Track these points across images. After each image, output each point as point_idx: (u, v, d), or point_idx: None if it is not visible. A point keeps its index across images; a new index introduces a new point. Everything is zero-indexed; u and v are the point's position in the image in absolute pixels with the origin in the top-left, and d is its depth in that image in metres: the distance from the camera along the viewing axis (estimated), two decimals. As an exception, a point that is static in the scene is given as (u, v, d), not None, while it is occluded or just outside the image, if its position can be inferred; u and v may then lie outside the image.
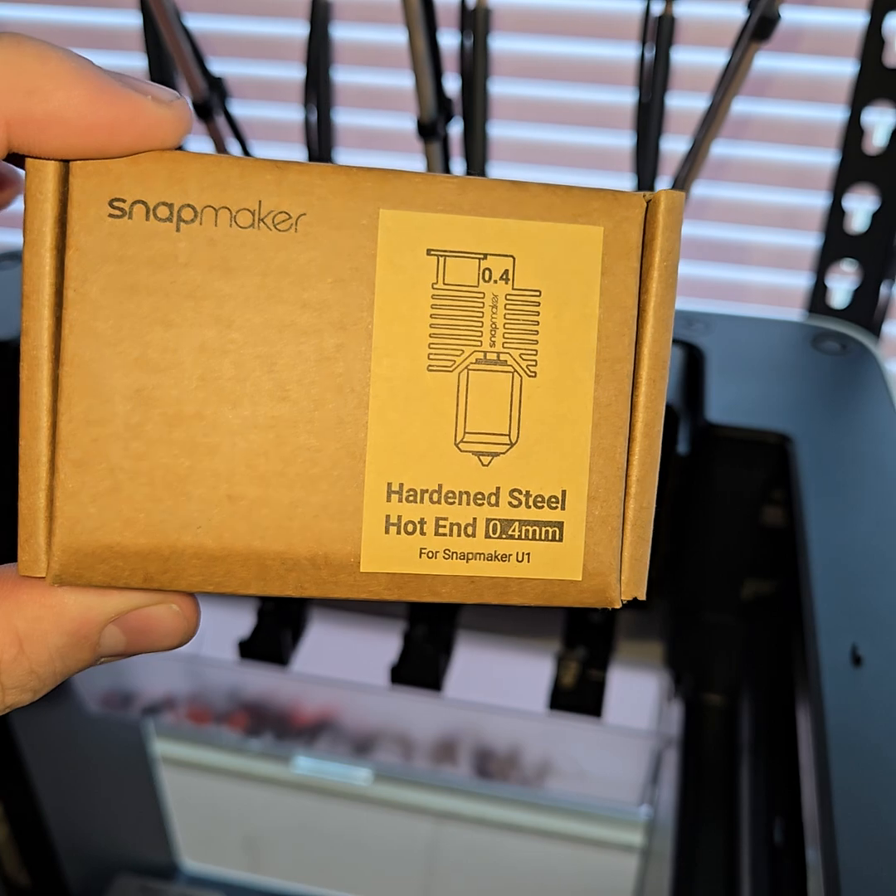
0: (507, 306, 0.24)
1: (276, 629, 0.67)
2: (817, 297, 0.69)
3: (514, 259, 0.24)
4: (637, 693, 0.69)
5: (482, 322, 0.24)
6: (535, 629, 0.72)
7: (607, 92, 0.79)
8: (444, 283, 0.23)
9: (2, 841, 0.84)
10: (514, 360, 0.24)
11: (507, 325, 0.24)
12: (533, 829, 1.22)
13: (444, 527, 0.24)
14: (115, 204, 0.22)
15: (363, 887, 0.99)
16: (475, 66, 0.54)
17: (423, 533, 0.24)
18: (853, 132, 0.62)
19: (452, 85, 0.56)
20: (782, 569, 0.59)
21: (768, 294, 0.85)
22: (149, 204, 0.22)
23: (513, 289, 0.24)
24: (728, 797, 0.57)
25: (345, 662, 0.70)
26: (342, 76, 0.78)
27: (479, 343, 0.24)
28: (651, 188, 0.59)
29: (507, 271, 0.24)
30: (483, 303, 0.24)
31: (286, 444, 0.23)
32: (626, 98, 0.59)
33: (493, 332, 0.24)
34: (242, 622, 0.69)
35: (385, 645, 0.68)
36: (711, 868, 0.54)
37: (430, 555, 0.24)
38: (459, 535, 0.24)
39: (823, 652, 0.36)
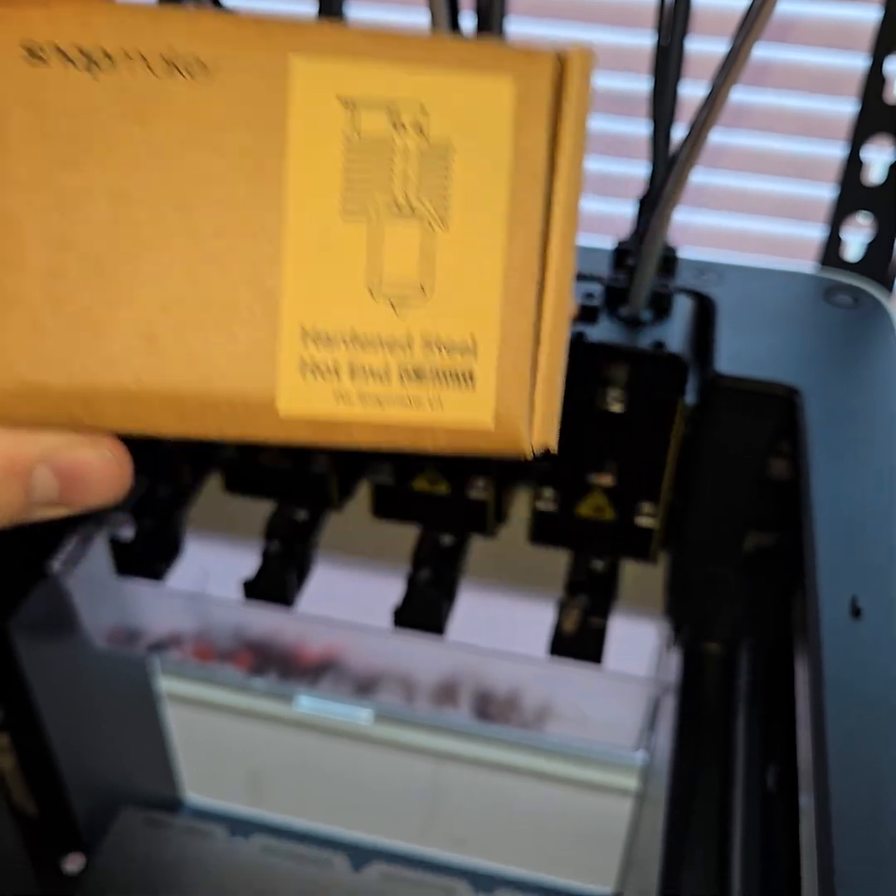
0: (420, 158, 0.24)
1: (282, 570, 0.67)
2: (831, 250, 0.69)
3: (426, 110, 0.24)
4: (637, 641, 0.69)
5: (394, 172, 0.24)
6: (537, 577, 0.72)
7: (626, 34, 0.77)
8: (357, 132, 0.24)
9: (8, 771, 0.86)
10: (427, 210, 0.24)
11: (420, 177, 0.24)
12: (531, 771, 1.24)
13: (359, 372, 0.25)
14: (31, 49, 0.22)
15: (364, 824, 1.00)
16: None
17: (338, 377, 0.24)
18: (874, 81, 0.61)
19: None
20: (785, 522, 0.59)
21: (781, 245, 0.85)
22: (64, 49, 0.22)
23: (425, 140, 0.24)
24: (723, 743, 0.58)
25: (349, 605, 0.70)
26: None
27: (391, 193, 0.24)
28: (668, 135, 0.58)
29: (419, 123, 0.24)
30: (395, 152, 0.24)
31: (202, 289, 0.24)
32: (645, 41, 0.58)
33: (405, 183, 0.24)
34: (248, 563, 0.69)
35: (389, 589, 0.68)
36: (705, 811, 0.55)
37: (346, 399, 0.25)
38: (373, 380, 0.25)
39: (823, 603, 0.37)
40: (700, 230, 0.85)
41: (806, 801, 0.33)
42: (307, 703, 1.30)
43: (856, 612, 0.37)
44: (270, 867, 0.88)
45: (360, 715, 1.29)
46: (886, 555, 0.41)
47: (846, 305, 0.61)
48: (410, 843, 0.98)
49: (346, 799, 1.15)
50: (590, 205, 0.91)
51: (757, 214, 0.85)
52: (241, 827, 0.95)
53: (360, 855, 0.92)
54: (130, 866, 0.89)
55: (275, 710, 1.30)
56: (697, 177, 0.52)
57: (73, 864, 0.89)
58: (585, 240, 0.65)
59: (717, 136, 0.80)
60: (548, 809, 1.21)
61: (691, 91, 0.55)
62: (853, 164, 0.64)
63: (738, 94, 0.78)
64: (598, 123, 0.87)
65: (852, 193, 0.65)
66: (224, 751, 1.24)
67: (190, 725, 1.15)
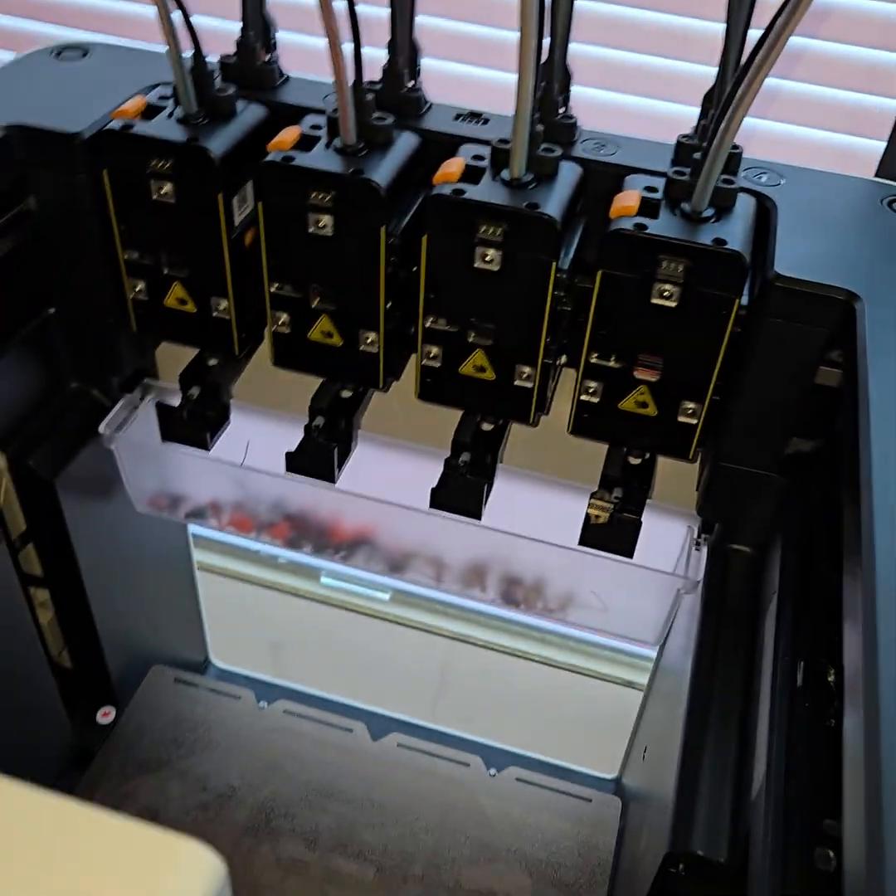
0: None
1: (324, 444, 0.69)
2: (893, 159, 0.68)
3: None
4: (666, 539, 0.71)
5: None
6: (574, 469, 0.73)
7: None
8: None
9: (47, 626, 0.90)
10: None
11: None
12: (542, 660, 1.28)
13: None
14: None
15: (377, 697, 1.04)
16: None
17: None
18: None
19: None
20: (830, 428, 0.60)
21: (844, 155, 0.83)
22: None
23: None
24: (749, 641, 0.60)
25: (387, 485, 0.72)
26: None
27: None
28: (744, 36, 0.56)
29: None
30: None
31: None
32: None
33: None
34: (292, 439, 0.70)
35: (428, 472, 0.69)
36: (727, 707, 0.57)
37: None
38: None
39: (876, 509, 0.37)
40: (762, 136, 0.83)
41: (851, 706, 0.35)
42: (331, 581, 1.34)
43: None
44: (294, 729, 0.92)
45: (380, 594, 1.33)
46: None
47: (908, 215, 0.61)
48: (423, 719, 1.02)
49: (363, 674, 1.19)
50: (644, 103, 0.89)
51: (820, 126, 0.83)
52: (265, 691, 0.98)
53: (379, 724, 0.96)
54: (159, 721, 0.93)
55: (300, 586, 1.34)
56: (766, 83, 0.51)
57: (105, 716, 0.94)
58: (645, 135, 0.65)
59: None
60: (556, 695, 1.25)
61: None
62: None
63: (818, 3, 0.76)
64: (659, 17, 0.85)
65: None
66: (250, 621, 1.28)
67: (219, 596, 1.19)
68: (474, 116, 0.66)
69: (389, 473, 0.75)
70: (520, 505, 0.73)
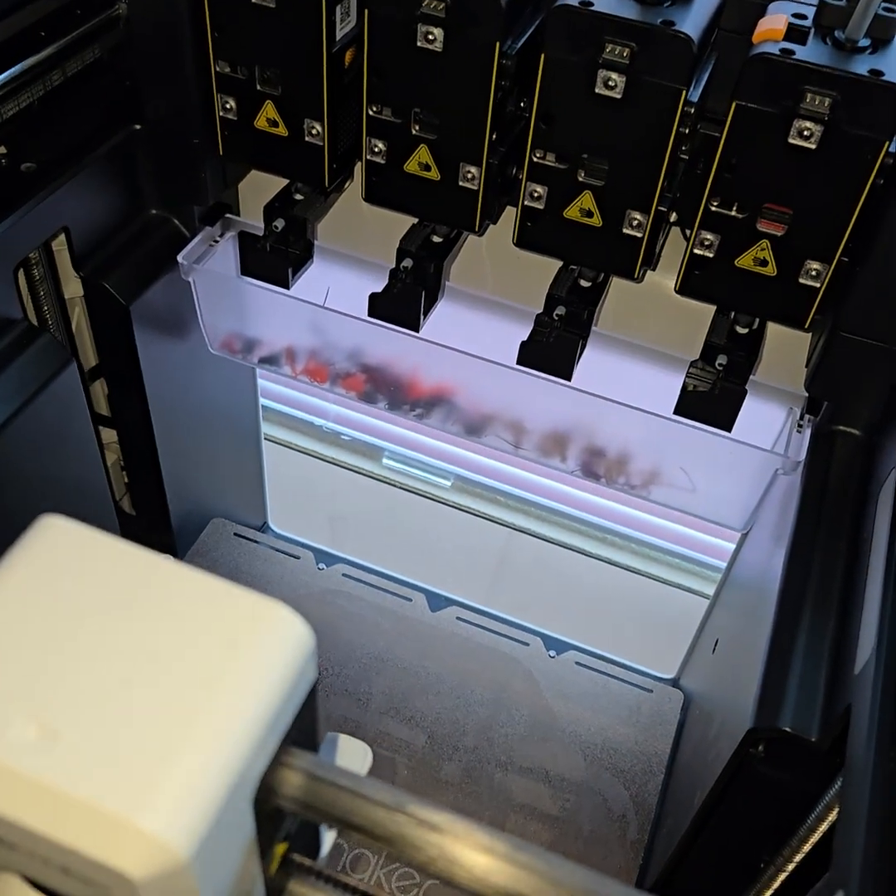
0: None
1: (411, 287, 0.65)
2: None
3: None
4: (767, 418, 0.67)
5: None
6: (676, 339, 0.69)
7: None
8: None
9: (111, 466, 0.88)
10: None
11: None
12: (603, 558, 1.25)
13: None
14: None
15: (434, 578, 1.02)
16: None
17: None
18: None
19: None
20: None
21: None
22: None
23: None
24: (854, 524, 0.56)
25: (473, 342, 0.68)
26: None
27: None
28: None
29: None
30: None
31: None
32: None
33: None
34: (376, 287, 0.67)
35: (518, 333, 0.65)
36: (826, 585, 0.53)
37: None
38: None
39: None
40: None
41: None
42: (392, 463, 1.32)
43: None
44: (351, 593, 0.91)
45: (442, 481, 1.30)
46: None
47: None
48: (480, 603, 1.00)
49: (421, 554, 1.17)
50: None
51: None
52: (324, 556, 0.97)
53: (436, 601, 0.95)
54: (217, 572, 0.92)
55: (362, 465, 1.32)
56: None
57: (164, 562, 0.93)
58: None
59: None
60: (615, 595, 1.22)
61: None
62: None
63: None
64: None
65: None
66: (310, 495, 1.27)
67: (283, 465, 1.18)
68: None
69: (476, 330, 0.71)
70: (612, 373, 0.68)
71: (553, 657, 0.89)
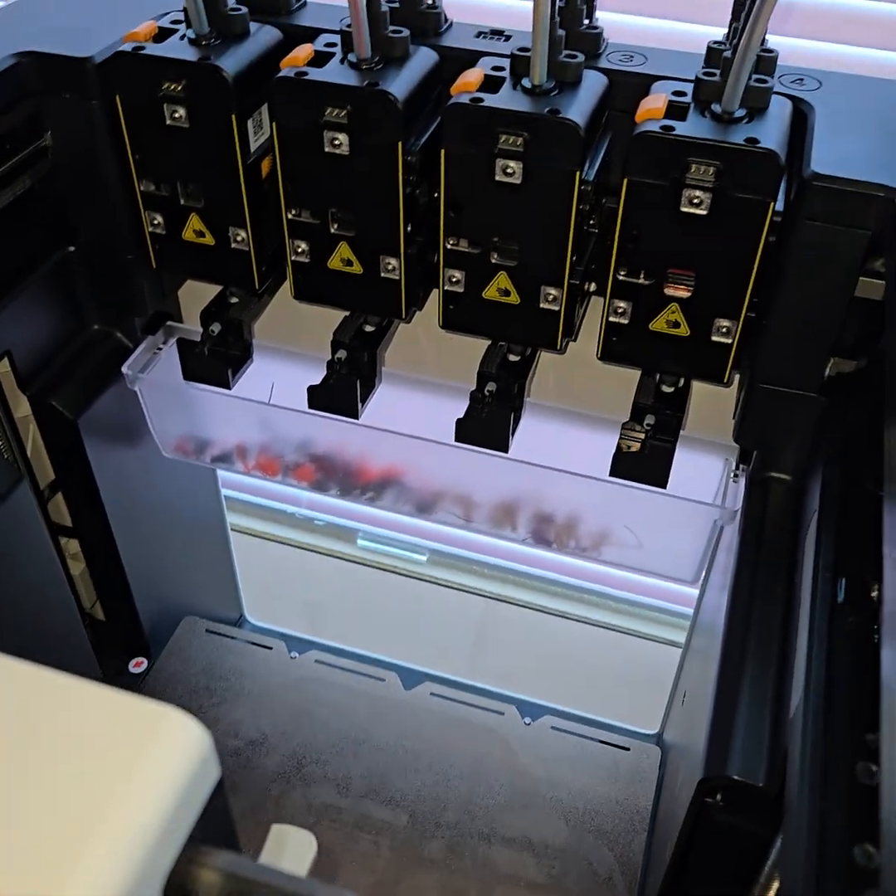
0: None
1: (346, 378, 0.67)
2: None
3: None
4: (703, 472, 0.68)
5: None
6: (605, 402, 0.71)
7: None
8: None
9: (78, 575, 0.89)
10: None
11: None
12: (581, 619, 1.26)
13: None
14: None
15: (412, 655, 1.03)
16: None
17: None
18: None
19: None
20: (873, 346, 0.57)
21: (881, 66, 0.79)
22: None
23: None
24: (789, 569, 0.57)
25: (414, 422, 0.70)
26: None
27: None
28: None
29: None
30: None
31: None
32: None
33: None
34: (317, 378, 0.69)
35: (454, 407, 0.67)
36: (766, 633, 0.54)
37: None
38: None
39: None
40: (802, 52, 0.80)
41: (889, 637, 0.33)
42: (366, 543, 1.33)
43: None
44: (325, 678, 0.91)
45: (416, 556, 1.31)
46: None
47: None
48: (458, 676, 1.00)
49: (398, 632, 1.18)
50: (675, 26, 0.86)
51: (856, 42, 0.80)
52: (297, 644, 0.97)
53: (412, 677, 0.95)
54: (191, 670, 0.92)
55: (337, 548, 1.33)
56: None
57: (137, 666, 0.93)
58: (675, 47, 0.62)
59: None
60: (595, 654, 1.23)
61: None
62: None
63: None
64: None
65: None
66: (285, 582, 1.28)
67: (254, 555, 1.19)
68: (496, 34, 0.64)
69: (416, 410, 0.73)
70: (549, 439, 0.70)
71: (528, 724, 0.89)
